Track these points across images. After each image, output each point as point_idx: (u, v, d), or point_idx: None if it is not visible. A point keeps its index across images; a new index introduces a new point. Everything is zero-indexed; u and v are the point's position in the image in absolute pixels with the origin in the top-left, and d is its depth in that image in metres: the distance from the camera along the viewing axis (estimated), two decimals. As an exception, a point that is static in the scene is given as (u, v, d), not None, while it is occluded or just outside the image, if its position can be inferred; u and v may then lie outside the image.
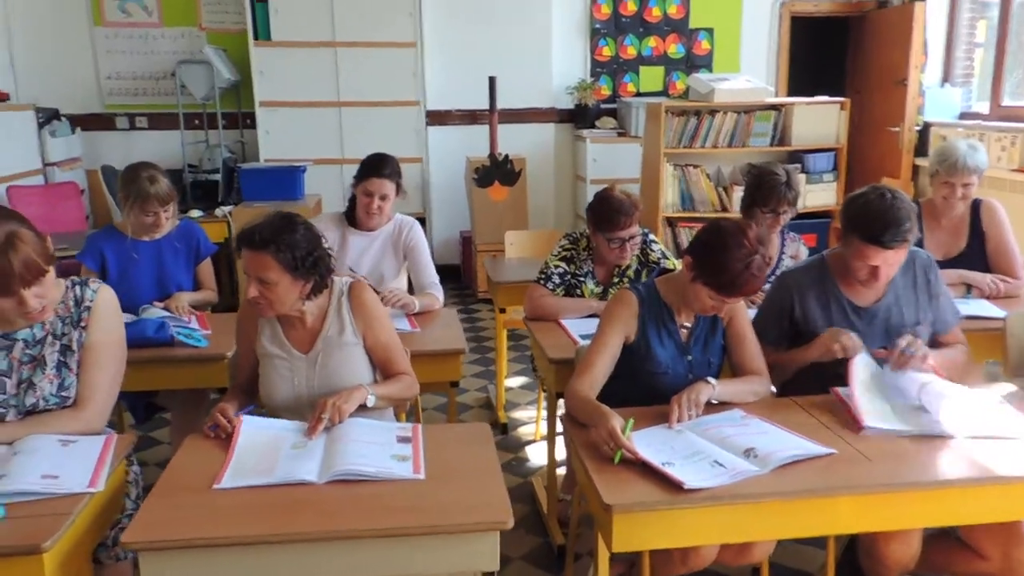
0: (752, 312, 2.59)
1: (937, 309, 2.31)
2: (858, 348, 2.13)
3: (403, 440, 1.89)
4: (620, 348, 2.17)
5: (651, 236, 2.98)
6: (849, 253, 2.17)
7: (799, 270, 2.36)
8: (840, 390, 2.10)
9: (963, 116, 6.28)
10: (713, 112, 5.01)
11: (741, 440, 1.86)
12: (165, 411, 3.06)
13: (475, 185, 5.72)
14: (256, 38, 5.70)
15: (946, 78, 6.42)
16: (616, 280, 2.95)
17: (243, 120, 6.09)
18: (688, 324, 2.23)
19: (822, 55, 7.35)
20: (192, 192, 5.62)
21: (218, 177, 5.44)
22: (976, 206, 3.11)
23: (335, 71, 5.81)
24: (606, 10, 6.39)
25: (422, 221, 6.46)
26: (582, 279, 2.94)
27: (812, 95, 5.80)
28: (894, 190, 2.41)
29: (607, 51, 6.46)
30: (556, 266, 2.93)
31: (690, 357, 2.21)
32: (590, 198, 2.91)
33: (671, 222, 5.16)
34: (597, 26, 6.40)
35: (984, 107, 6.27)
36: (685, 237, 5.22)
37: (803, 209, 5.13)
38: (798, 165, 5.15)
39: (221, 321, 2.86)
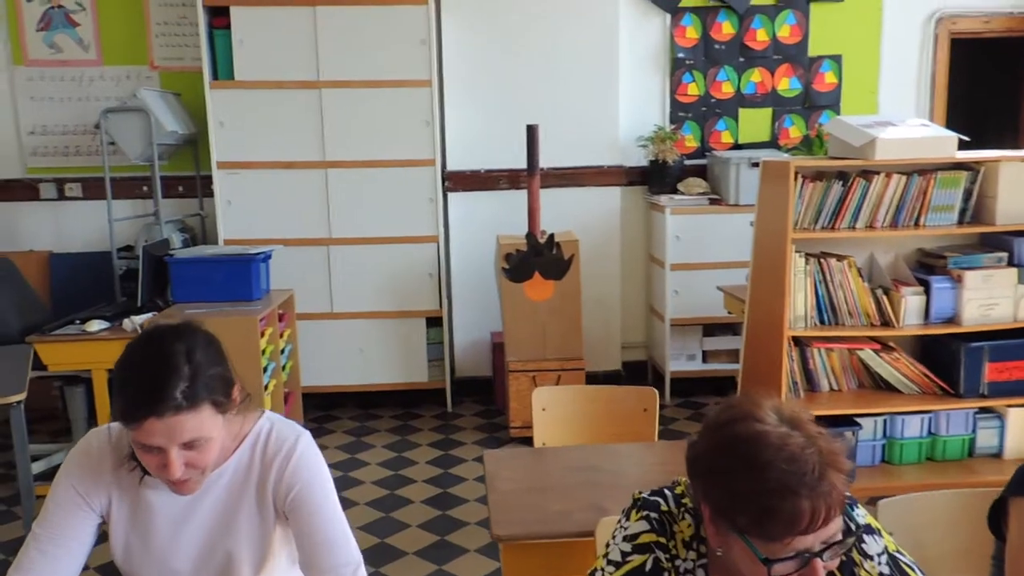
0: None
1: None
2: None
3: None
4: None
5: (862, 517, 1.20)
6: None
7: None
8: None
9: None
10: (868, 174, 3.22)
11: None
12: None
13: (505, 278, 4.02)
14: (215, 77, 4.21)
15: None
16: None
17: (203, 187, 4.59)
18: None
19: (981, 88, 5.49)
20: (123, 287, 4.10)
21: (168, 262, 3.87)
22: None
23: (319, 120, 4.26)
24: (692, 34, 4.70)
25: (436, 321, 4.64)
26: (682, 612, 1.19)
27: (976, 145, 3.94)
28: None
29: (694, 89, 4.75)
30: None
31: None
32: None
33: (800, 343, 3.35)
34: (680, 55, 4.70)
35: None
36: (822, 364, 3.38)
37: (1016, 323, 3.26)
38: (1003, 255, 3.30)
39: None
